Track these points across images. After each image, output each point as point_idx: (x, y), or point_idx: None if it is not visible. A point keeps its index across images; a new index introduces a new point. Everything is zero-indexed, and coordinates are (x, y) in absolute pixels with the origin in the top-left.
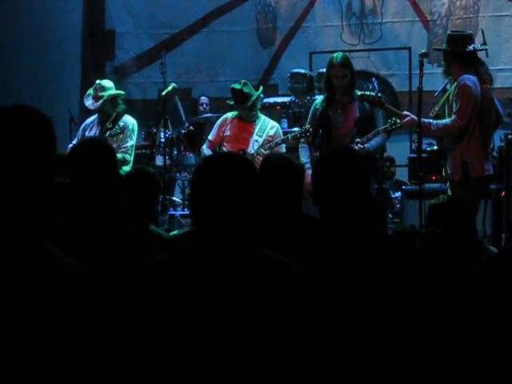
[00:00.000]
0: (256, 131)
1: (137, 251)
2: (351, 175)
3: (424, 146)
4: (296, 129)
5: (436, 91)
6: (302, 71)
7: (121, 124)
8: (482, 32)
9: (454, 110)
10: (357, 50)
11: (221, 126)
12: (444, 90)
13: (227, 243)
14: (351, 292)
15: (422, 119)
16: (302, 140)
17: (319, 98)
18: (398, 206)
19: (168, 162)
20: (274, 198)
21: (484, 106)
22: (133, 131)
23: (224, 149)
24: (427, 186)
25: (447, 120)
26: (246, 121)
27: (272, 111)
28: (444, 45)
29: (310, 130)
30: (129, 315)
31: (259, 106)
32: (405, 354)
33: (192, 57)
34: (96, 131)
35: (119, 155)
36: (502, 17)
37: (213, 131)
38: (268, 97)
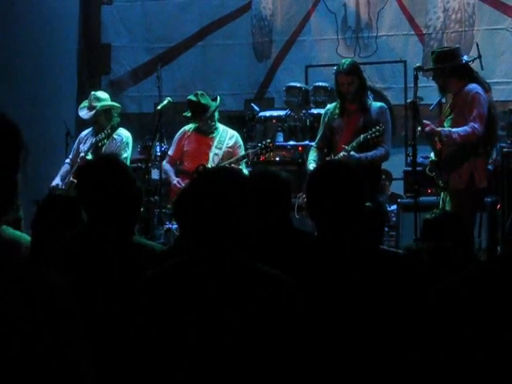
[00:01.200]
0: (215, 144)
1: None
2: (340, 190)
3: (419, 160)
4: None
5: (431, 104)
6: (298, 85)
7: (107, 132)
8: (477, 45)
9: (471, 118)
10: None
11: (180, 139)
12: (439, 103)
13: (222, 257)
14: (347, 306)
15: (443, 129)
16: (314, 145)
17: (332, 104)
18: (393, 219)
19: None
20: (263, 212)
21: (492, 113)
22: (127, 144)
23: (185, 163)
24: (422, 199)
25: (466, 128)
26: (204, 133)
27: (268, 125)
28: (433, 64)
29: (270, 145)
30: (126, 326)
31: (217, 117)
32: (400, 368)
33: (188, 70)
34: (90, 143)
35: None
36: (497, 30)
37: (172, 146)
38: (264, 110)
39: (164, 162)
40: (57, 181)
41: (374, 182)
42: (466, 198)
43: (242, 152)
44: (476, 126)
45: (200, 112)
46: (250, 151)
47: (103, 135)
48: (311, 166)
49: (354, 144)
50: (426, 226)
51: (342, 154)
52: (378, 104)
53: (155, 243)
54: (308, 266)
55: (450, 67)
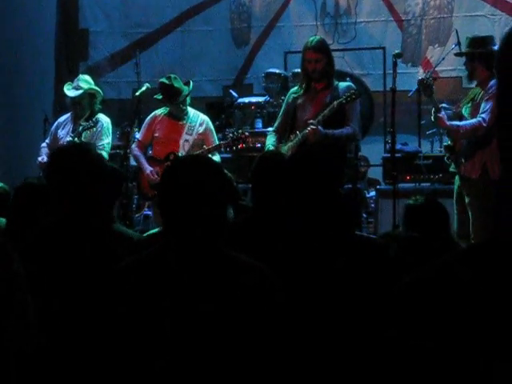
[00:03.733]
0: (186, 130)
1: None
2: (309, 177)
3: (398, 146)
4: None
5: (410, 91)
6: (277, 71)
7: (94, 118)
8: (457, 32)
9: (482, 110)
10: (331, 50)
11: (150, 124)
12: (418, 90)
13: (196, 246)
14: (322, 294)
15: (451, 122)
16: (272, 129)
17: (295, 87)
18: (372, 205)
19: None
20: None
21: None
22: (108, 129)
23: (155, 149)
24: (401, 185)
25: (474, 121)
26: (176, 118)
27: (246, 111)
28: (467, 48)
29: (242, 136)
30: (101, 316)
31: (188, 102)
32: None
33: (166, 56)
34: (69, 128)
35: None
36: (475, 17)
37: (142, 130)
38: (242, 96)
39: (133, 147)
40: (44, 157)
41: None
42: (478, 188)
43: (214, 137)
44: (485, 117)
45: (172, 96)
46: (222, 142)
47: (91, 123)
48: None
49: (327, 112)
50: (408, 212)
51: (309, 128)
52: (346, 83)
53: (133, 231)
54: (283, 255)
55: (478, 53)
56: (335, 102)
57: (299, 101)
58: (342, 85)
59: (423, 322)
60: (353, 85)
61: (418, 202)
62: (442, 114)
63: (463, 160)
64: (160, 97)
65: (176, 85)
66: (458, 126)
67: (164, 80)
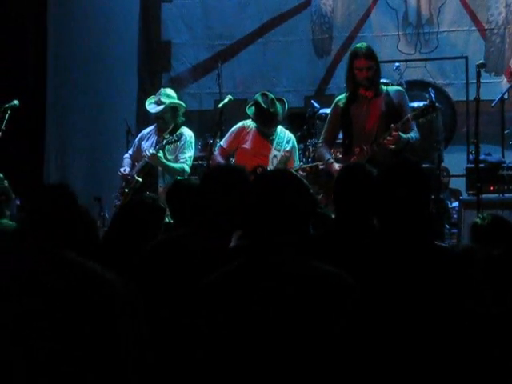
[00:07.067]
0: (274, 146)
1: None
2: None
3: (481, 156)
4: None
5: (493, 100)
6: None
7: (178, 133)
8: None
9: None
10: (413, 60)
11: (238, 134)
12: (501, 100)
13: (282, 257)
14: (405, 304)
15: None
16: (320, 140)
17: (342, 95)
18: (455, 216)
19: None
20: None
21: None
22: (191, 143)
23: (239, 160)
24: (485, 196)
25: None
26: (265, 135)
27: None
28: None
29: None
30: (186, 332)
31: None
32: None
33: (248, 67)
34: (153, 140)
35: (178, 165)
36: None
37: (228, 138)
38: (324, 107)
39: (216, 153)
40: (126, 168)
41: None
42: None
43: (296, 156)
44: None
45: (266, 120)
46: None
47: (175, 138)
48: (336, 165)
49: (399, 126)
50: (473, 231)
51: (389, 138)
52: (395, 88)
53: None
54: (366, 264)
55: None
56: (409, 115)
57: (352, 112)
58: (392, 89)
59: None
60: (402, 88)
61: (484, 222)
62: None
63: None
64: (252, 112)
65: (271, 110)
66: None
67: (260, 100)
